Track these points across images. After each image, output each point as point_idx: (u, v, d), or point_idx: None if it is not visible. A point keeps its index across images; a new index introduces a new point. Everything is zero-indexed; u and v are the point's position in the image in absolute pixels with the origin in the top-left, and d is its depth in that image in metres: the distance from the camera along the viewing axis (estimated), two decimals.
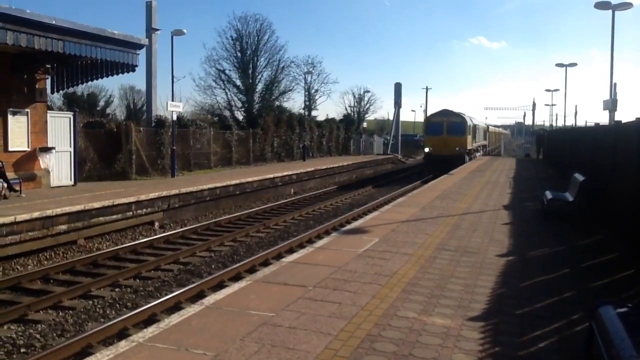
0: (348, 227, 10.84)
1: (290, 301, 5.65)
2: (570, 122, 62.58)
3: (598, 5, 23.72)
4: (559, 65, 41.45)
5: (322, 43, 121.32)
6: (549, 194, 12.00)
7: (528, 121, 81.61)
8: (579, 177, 11.56)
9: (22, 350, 6.71)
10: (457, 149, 31.57)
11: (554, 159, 27.42)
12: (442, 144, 31.53)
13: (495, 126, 69.32)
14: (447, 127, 32.04)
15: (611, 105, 23.99)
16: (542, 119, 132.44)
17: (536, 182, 19.84)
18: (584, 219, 11.16)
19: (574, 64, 41.34)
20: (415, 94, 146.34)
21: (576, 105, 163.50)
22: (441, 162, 29.52)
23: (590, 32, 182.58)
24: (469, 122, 33.47)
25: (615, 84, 25.35)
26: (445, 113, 33.60)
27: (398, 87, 54.39)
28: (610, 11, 23.75)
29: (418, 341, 4.62)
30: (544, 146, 36.88)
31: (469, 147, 33.41)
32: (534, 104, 73.03)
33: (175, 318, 5.21)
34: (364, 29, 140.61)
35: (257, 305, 5.52)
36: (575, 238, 9.55)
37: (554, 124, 62.66)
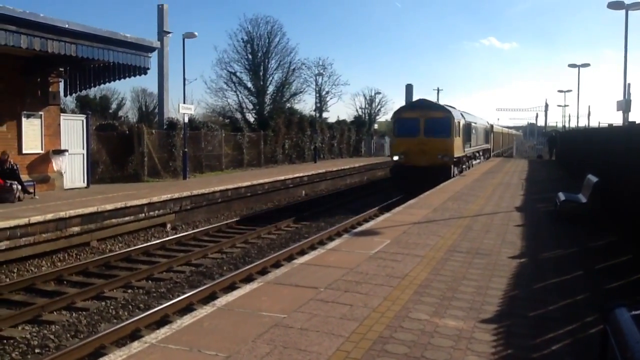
0: (359, 228, 10.83)
1: (302, 303, 5.65)
2: (583, 122, 62.05)
3: (611, 5, 23.51)
4: (572, 65, 41.00)
5: (332, 45, 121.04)
6: (561, 196, 11.90)
7: (540, 122, 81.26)
8: (593, 178, 11.44)
9: (37, 350, 6.78)
10: (439, 156, 21.70)
11: (567, 160, 27.17)
12: (417, 149, 21.75)
13: (506, 127, 68.78)
14: (424, 125, 22.05)
15: (625, 105, 23.75)
16: (555, 119, 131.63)
17: (548, 184, 19.68)
18: (597, 220, 11.05)
19: (586, 65, 40.87)
20: (426, 95, 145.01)
21: (589, 106, 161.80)
22: (416, 176, 21.04)
23: (603, 32, 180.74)
24: (456, 118, 23.19)
25: (629, 84, 25.14)
26: (421, 105, 23.47)
27: (409, 89, 54.22)
28: (623, 11, 23.57)
29: (430, 343, 4.60)
30: (556, 147, 36.55)
31: (457, 154, 23.14)
32: (546, 105, 72.94)
33: (187, 319, 5.23)
34: (374, 30, 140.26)
35: (268, 306, 5.53)
36: (588, 240, 9.46)
37: (566, 125, 62.26)
